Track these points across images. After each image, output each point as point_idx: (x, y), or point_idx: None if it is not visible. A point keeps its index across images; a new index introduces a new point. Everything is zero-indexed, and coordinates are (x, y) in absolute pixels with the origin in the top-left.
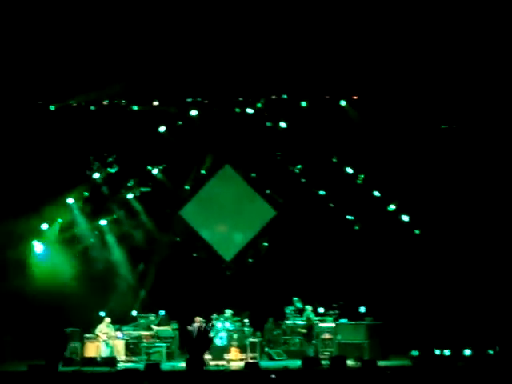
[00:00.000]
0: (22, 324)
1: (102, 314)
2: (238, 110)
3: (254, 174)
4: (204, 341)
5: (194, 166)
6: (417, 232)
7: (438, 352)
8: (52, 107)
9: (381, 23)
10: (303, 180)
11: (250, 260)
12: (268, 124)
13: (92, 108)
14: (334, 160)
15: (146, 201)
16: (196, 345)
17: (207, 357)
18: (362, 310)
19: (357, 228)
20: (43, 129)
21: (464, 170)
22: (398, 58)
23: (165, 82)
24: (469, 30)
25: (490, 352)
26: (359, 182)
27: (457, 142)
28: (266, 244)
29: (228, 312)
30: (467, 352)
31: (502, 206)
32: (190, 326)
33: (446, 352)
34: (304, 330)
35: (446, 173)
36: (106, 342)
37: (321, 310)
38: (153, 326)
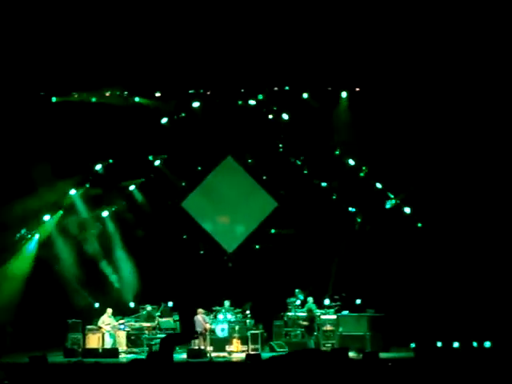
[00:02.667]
0: (23, 315)
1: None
2: (240, 101)
3: (250, 160)
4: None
5: (196, 158)
6: (419, 225)
7: (439, 344)
8: (54, 99)
9: (383, 13)
10: (305, 172)
11: (257, 247)
12: (270, 116)
13: (94, 99)
14: (337, 152)
15: (147, 192)
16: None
17: (209, 348)
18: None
19: (358, 222)
20: (45, 120)
21: (467, 162)
22: (400, 49)
23: (167, 74)
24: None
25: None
26: (362, 174)
27: (458, 134)
28: (273, 231)
29: (227, 303)
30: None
31: (504, 200)
32: (194, 317)
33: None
34: (305, 323)
35: (449, 164)
36: (110, 332)
37: (326, 301)
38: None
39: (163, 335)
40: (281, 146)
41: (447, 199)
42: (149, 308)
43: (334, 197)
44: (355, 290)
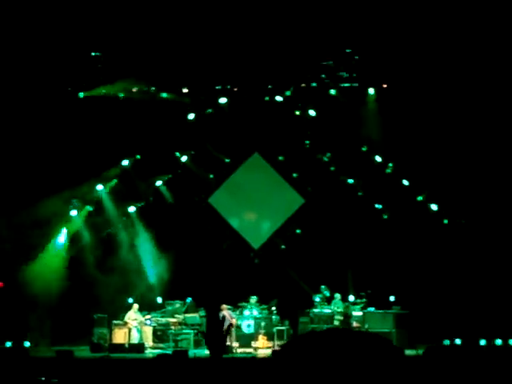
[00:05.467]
0: (50, 310)
1: (130, 300)
2: (267, 97)
3: (281, 158)
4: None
5: (223, 154)
6: (445, 221)
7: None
8: (81, 94)
9: (408, 10)
10: (332, 168)
11: (283, 246)
12: (297, 112)
13: (121, 95)
14: (364, 149)
15: (174, 188)
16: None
17: (234, 344)
18: (392, 298)
19: (385, 217)
20: (72, 116)
21: (494, 159)
22: (428, 44)
23: (194, 70)
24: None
25: None
26: (388, 171)
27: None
28: (298, 231)
29: (253, 299)
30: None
31: None
32: (220, 313)
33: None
34: (340, 318)
35: (477, 161)
36: (137, 327)
37: (351, 298)
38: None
39: (189, 331)
40: (307, 142)
41: (473, 196)
42: (177, 305)
43: (360, 193)
44: (382, 286)
